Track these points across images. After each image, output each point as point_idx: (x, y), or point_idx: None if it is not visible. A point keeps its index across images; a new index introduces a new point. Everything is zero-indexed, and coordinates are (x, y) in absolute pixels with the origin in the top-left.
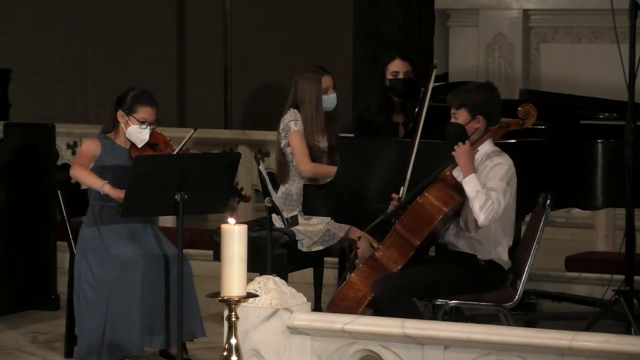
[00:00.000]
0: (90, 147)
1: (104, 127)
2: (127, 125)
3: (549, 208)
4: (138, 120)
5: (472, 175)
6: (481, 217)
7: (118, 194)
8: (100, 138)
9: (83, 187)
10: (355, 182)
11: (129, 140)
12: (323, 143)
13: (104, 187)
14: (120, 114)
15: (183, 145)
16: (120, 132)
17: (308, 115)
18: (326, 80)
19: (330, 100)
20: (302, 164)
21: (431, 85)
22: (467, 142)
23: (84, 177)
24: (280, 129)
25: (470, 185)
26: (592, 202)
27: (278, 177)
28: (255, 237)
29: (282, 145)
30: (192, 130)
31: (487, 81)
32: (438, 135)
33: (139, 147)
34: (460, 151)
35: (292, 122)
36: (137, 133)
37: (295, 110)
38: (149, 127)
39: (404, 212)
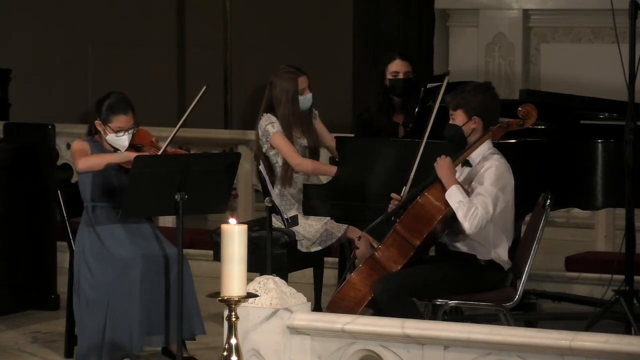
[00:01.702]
0: (82, 145)
1: (87, 130)
2: (105, 133)
3: (549, 208)
4: (113, 130)
5: (454, 186)
6: (466, 225)
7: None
8: (88, 140)
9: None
10: (355, 182)
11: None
12: (302, 141)
13: (123, 154)
14: (97, 123)
15: (165, 147)
16: (104, 138)
17: (285, 115)
18: (302, 81)
19: (306, 100)
20: (293, 159)
21: (442, 92)
22: (447, 157)
23: (96, 160)
24: (260, 135)
25: (452, 197)
26: (592, 202)
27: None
28: (255, 237)
29: (264, 149)
30: (204, 87)
31: (485, 81)
32: (439, 135)
33: (122, 151)
34: (440, 164)
35: (269, 125)
36: (116, 141)
37: (268, 114)
38: (126, 133)
39: (404, 212)
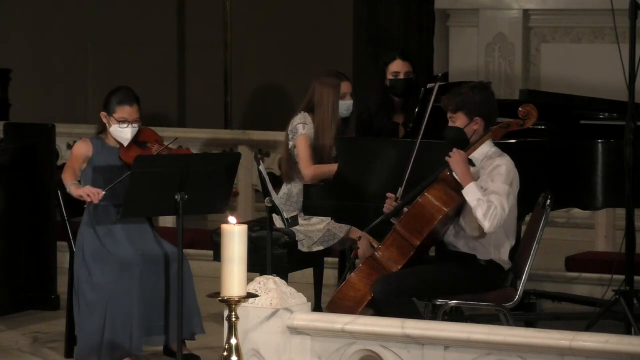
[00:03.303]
0: (81, 149)
1: (97, 128)
2: (109, 125)
3: (549, 208)
4: (117, 120)
5: (472, 184)
6: (486, 225)
7: (78, 191)
8: (91, 139)
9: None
10: (355, 182)
11: (117, 140)
12: (334, 150)
13: (71, 188)
14: (103, 115)
15: (169, 145)
16: (109, 132)
17: (324, 119)
18: (345, 86)
19: (346, 106)
20: (303, 167)
21: (433, 97)
22: (459, 151)
23: (65, 178)
24: (289, 130)
25: (470, 194)
26: (592, 202)
27: (284, 177)
28: (255, 237)
29: (290, 146)
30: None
31: (480, 81)
32: (438, 136)
33: (125, 145)
34: (455, 160)
35: (300, 124)
36: (119, 132)
37: (305, 113)
38: (129, 125)
39: (404, 212)
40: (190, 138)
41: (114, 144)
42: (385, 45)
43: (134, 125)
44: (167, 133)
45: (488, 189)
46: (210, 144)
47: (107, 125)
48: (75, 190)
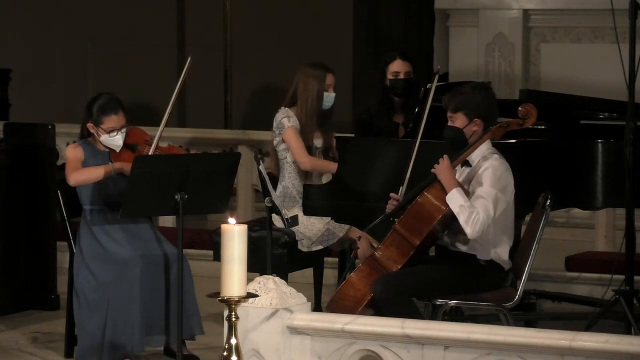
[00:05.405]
0: (75, 152)
1: (80, 133)
2: (98, 135)
3: (549, 208)
4: (106, 131)
5: (454, 190)
6: (468, 230)
7: (124, 165)
8: (81, 143)
9: None
10: (356, 182)
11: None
12: (317, 142)
13: (114, 166)
14: (89, 126)
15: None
16: (98, 139)
17: (307, 110)
18: (329, 78)
19: (328, 98)
20: (299, 157)
21: (432, 92)
22: (445, 157)
23: (86, 174)
24: (274, 127)
25: (453, 201)
26: (592, 202)
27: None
28: (255, 237)
29: (275, 143)
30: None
31: (481, 82)
32: (438, 135)
33: (117, 151)
34: (440, 168)
35: (284, 119)
36: (110, 141)
37: (285, 108)
38: (119, 132)
39: (404, 211)
40: (190, 138)
41: (104, 148)
42: (385, 45)
43: (122, 131)
44: (166, 133)
45: (476, 192)
46: (210, 144)
47: (95, 135)
48: (125, 164)
